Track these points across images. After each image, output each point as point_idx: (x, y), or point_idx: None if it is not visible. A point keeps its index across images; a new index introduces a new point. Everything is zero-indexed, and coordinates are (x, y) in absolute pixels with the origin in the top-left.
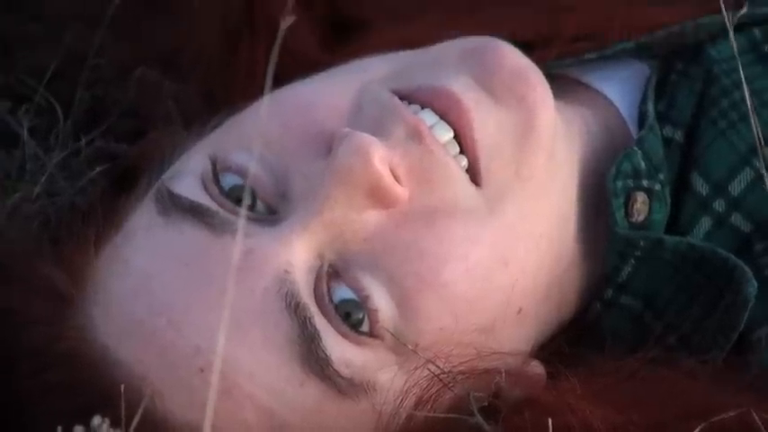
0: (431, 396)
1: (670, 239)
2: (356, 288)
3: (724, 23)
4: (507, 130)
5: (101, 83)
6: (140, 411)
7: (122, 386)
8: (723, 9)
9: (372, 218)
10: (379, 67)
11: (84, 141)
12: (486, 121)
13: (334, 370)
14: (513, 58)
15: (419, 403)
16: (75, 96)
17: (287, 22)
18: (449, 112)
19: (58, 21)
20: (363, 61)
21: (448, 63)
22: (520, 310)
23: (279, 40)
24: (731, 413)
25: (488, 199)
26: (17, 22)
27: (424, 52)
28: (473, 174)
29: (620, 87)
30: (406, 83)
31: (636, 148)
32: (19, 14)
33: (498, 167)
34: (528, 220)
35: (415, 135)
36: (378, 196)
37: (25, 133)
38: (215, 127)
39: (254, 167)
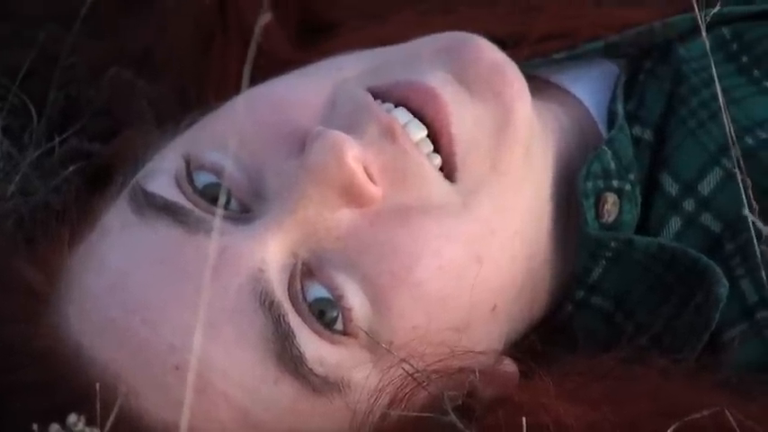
0: (405, 395)
1: (640, 240)
2: (330, 286)
3: (694, 23)
4: (484, 125)
5: (74, 82)
6: (115, 410)
7: (97, 385)
8: (696, 8)
9: (346, 216)
10: (355, 65)
11: (57, 141)
12: (464, 116)
13: (309, 368)
14: (490, 52)
15: (393, 402)
16: (49, 96)
17: (263, 20)
18: (425, 107)
19: (32, 20)
20: (338, 59)
21: (425, 58)
22: (494, 308)
23: (255, 39)
24: (705, 412)
25: (463, 194)
26: None
27: (399, 48)
28: (448, 170)
29: (589, 87)
30: (382, 79)
31: (606, 148)
32: None
33: (474, 161)
34: (503, 215)
35: (388, 133)
36: (351, 195)
37: (0, 133)
38: (189, 125)
39: (229, 166)
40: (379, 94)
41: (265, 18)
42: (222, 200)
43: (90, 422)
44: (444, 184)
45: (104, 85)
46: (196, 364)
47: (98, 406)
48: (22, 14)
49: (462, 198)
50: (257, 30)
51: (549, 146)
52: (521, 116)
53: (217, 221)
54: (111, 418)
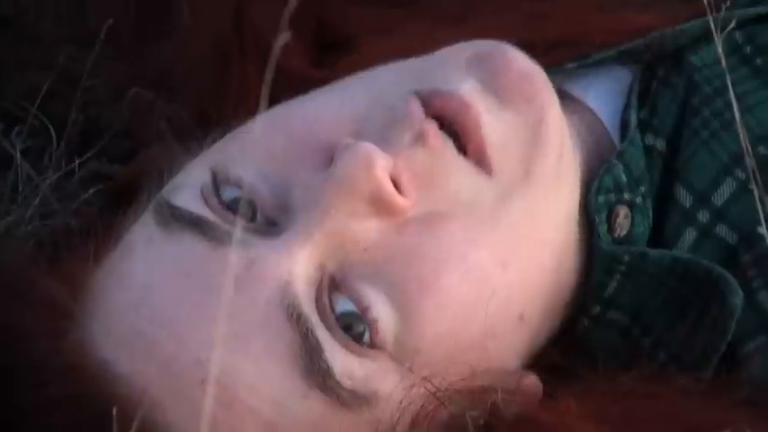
0: (427, 414)
1: (654, 253)
2: (356, 299)
3: (706, 28)
4: (517, 132)
5: (94, 104)
6: (136, 423)
7: (114, 408)
8: (709, 13)
9: (374, 227)
10: (389, 76)
11: (77, 162)
12: (495, 124)
13: (337, 381)
14: (520, 61)
15: (416, 421)
16: (69, 118)
17: (282, 39)
18: (457, 115)
19: (51, 43)
20: (369, 73)
21: (457, 67)
22: (521, 316)
23: (274, 58)
24: (727, 431)
25: (497, 193)
26: (9, 44)
27: (430, 58)
28: (482, 166)
29: (602, 95)
30: (422, 85)
31: (616, 161)
32: (11, 36)
33: (507, 165)
34: (533, 222)
35: (420, 138)
36: (379, 205)
37: (18, 155)
38: (215, 141)
39: (250, 176)
40: (421, 99)
41: (284, 38)
42: (242, 210)
43: None
44: (478, 176)
45: (125, 106)
46: (217, 377)
47: (114, 424)
48: (41, 37)
49: (495, 198)
50: (276, 48)
51: (576, 155)
52: (553, 122)
53: (237, 232)
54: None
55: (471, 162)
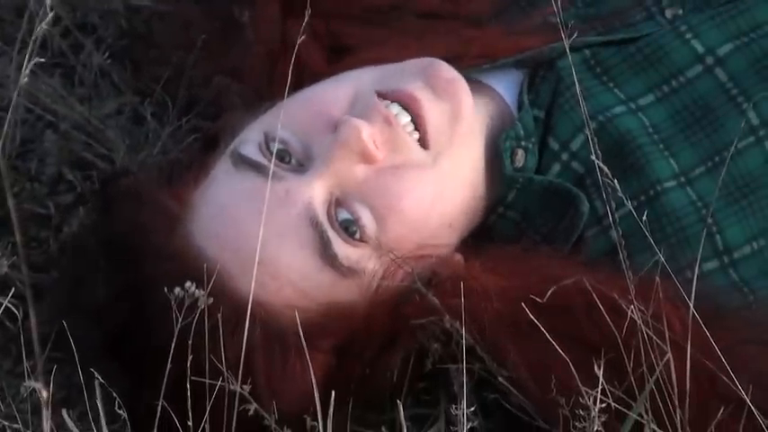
0: (391, 271)
1: (537, 177)
2: (352, 212)
3: (565, 47)
4: (445, 115)
5: (194, 86)
6: (212, 281)
7: (204, 265)
8: (564, 38)
9: (361, 170)
10: (367, 76)
11: (184, 120)
12: (433, 109)
13: (340, 262)
14: (448, 70)
15: (384, 277)
16: (179, 93)
17: (299, 40)
18: (410, 105)
19: (168, 47)
20: (356, 71)
21: (409, 74)
22: (450, 224)
23: (294, 56)
24: (571, 279)
25: (433, 157)
26: (143, 49)
27: (395, 66)
28: (423, 142)
29: (506, 85)
30: (384, 86)
31: (517, 122)
32: (144, 44)
33: (439, 136)
34: (456, 168)
35: (387, 121)
36: (365, 156)
37: (149, 116)
38: (265, 111)
39: (279, 135)
40: (382, 95)
41: (302, 39)
42: (273, 159)
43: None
44: (421, 150)
45: (213, 86)
46: (266, 259)
47: (205, 285)
48: (162, 43)
49: (432, 160)
50: (296, 47)
51: (484, 124)
52: (466, 108)
53: (270, 171)
54: (209, 286)
55: (416, 137)
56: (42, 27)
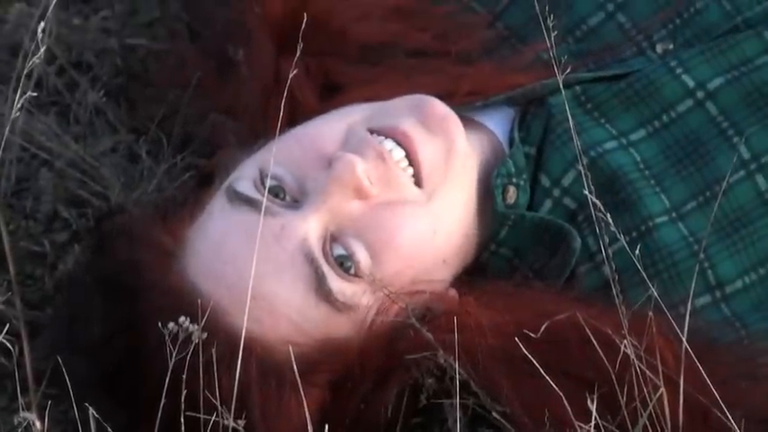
0: (385, 307)
1: (528, 214)
2: (347, 247)
3: (557, 84)
4: (438, 152)
5: (189, 123)
6: (206, 316)
7: (198, 300)
8: (558, 74)
9: (356, 206)
10: (360, 113)
11: (179, 158)
12: (426, 146)
13: (335, 297)
14: (440, 107)
15: (378, 312)
16: (174, 131)
17: (291, 75)
18: (403, 141)
19: (163, 85)
20: (347, 108)
21: (402, 111)
22: (444, 261)
23: (286, 92)
24: (565, 314)
25: (427, 194)
26: (138, 87)
27: (387, 103)
28: (417, 179)
29: (497, 122)
30: (377, 123)
31: (508, 159)
32: (139, 82)
33: (433, 174)
34: (450, 206)
35: (380, 157)
36: (359, 192)
37: (144, 153)
38: (260, 148)
39: (273, 171)
40: (375, 131)
41: (294, 73)
42: (266, 194)
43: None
44: (415, 188)
45: (208, 124)
46: (261, 295)
47: (199, 316)
48: (157, 82)
49: (426, 198)
50: (288, 82)
51: (476, 161)
52: (459, 145)
53: (273, 206)
54: (203, 321)
55: (410, 173)
56: (35, 61)
